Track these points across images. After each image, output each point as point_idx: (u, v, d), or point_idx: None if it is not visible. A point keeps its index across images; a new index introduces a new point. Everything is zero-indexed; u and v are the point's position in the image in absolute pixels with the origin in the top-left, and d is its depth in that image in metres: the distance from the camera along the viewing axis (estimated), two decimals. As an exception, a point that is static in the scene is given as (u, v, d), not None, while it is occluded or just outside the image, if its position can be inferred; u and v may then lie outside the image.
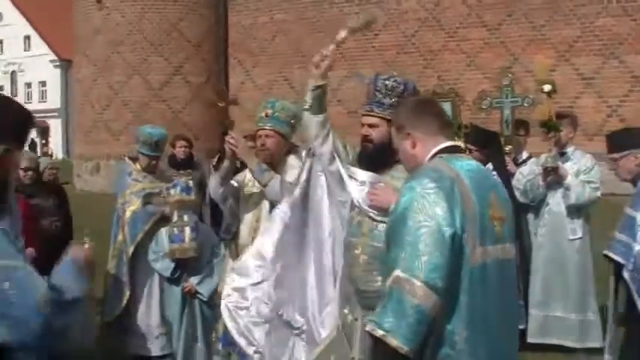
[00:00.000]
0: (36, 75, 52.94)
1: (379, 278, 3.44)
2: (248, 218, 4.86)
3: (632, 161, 4.67)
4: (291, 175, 4.63)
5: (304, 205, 4.09)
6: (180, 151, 8.42)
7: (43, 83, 53.33)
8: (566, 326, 6.47)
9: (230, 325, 4.20)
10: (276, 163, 4.78)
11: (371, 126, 3.66)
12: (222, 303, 4.27)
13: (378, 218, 3.54)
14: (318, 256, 4.03)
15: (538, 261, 6.53)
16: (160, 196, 6.04)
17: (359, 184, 3.64)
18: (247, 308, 4.17)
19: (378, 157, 3.66)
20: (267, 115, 4.76)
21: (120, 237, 6.07)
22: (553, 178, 6.47)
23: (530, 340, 6.32)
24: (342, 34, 3.76)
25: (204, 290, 5.52)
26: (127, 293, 5.92)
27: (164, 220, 5.84)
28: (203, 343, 5.56)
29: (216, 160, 8.78)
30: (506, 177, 6.35)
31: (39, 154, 36.61)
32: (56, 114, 51.62)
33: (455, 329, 2.55)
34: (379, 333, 2.48)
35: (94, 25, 21.13)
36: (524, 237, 6.51)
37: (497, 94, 7.31)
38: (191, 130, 17.80)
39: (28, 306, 2.30)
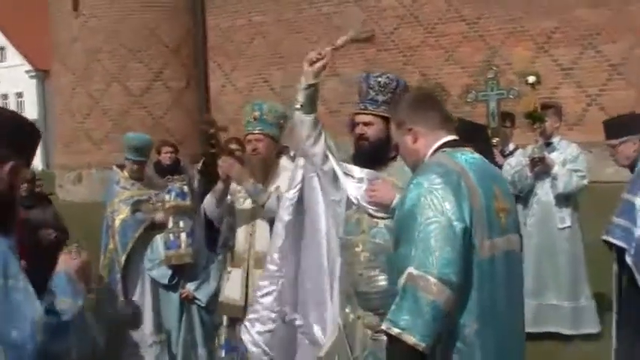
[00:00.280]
0: (12, 86, 52.46)
1: (382, 277, 3.45)
2: (243, 223, 4.84)
3: (630, 147, 4.72)
4: (284, 178, 4.64)
5: (300, 208, 4.05)
6: (166, 157, 8.36)
7: (20, 94, 52.87)
8: (560, 314, 6.53)
9: (245, 338, 4.18)
10: (268, 167, 4.77)
11: (366, 124, 3.65)
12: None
13: (379, 215, 3.54)
14: (316, 257, 4.00)
15: (529, 251, 6.56)
16: (148, 204, 6.03)
17: (356, 181, 3.63)
18: (258, 319, 4.15)
19: (374, 155, 3.66)
20: (255, 119, 4.72)
21: (111, 245, 6.03)
22: (540, 168, 6.53)
23: (525, 329, 6.35)
24: (342, 39, 3.73)
25: (202, 296, 5.50)
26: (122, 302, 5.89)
27: (154, 227, 5.82)
28: (204, 349, 5.55)
29: (201, 164, 8.74)
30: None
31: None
32: (34, 125, 51.14)
33: (466, 323, 2.55)
34: (395, 331, 2.47)
35: (72, 33, 20.94)
36: (514, 228, 6.55)
37: (481, 88, 7.34)
38: (174, 135, 17.69)
39: (24, 330, 2.24)
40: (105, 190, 6.79)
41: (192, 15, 21.57)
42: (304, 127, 3.77)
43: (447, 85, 16.45)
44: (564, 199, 6.57)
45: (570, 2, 15.82)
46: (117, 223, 5.99)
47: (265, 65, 20.71)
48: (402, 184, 3.26)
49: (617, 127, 4.85)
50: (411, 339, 2.44)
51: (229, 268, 4.93)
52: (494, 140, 6.99)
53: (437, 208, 2.52)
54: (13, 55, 52.47)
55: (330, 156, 3.80)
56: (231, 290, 4.84)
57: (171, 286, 5.61)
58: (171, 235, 5.43)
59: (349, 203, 3.70)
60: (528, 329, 6.32)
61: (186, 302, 5.58)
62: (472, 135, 6.66)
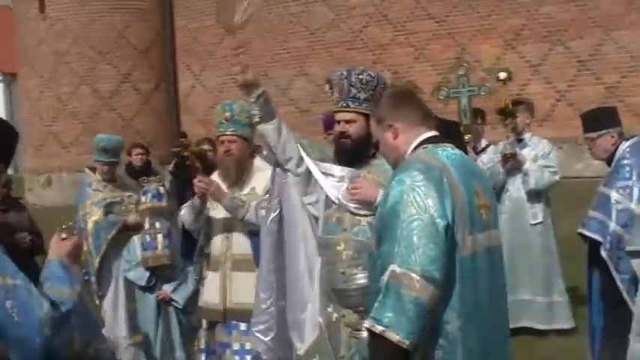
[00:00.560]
0: (-22, 90, 51.75)
1: (362, 275, 3.44)
2: (219, 230, 4.80)
3: (608, 140, 4.73)
4: (258, 178, 4.62)
5: (280, 214, 4.03)
6: (137, 159, 8.32)
7: (-14, 98, 52.18)
8: (534, 309, 6.58)
9: (260, 348, 4.14)
10: (242, 168, 4.74)
11: (348, 122, 3.63)
12: None
13: (361, 212, 3.53)
14: (293, 258, 3.98)
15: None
16: (121, 205, 5.99)
17: (337, 180, 3.61)
18: (268, 328, 4.13)
19: (356, 153, 3.65)
20: (227, 120, 4.69)
21: (85, 248, 5.98)
22: (512, 164, 6.58)
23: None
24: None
25: (179, 297, 5.45)
26: (98, 304, 5.83)
27: (127, 229, 5.79)
28: (182, 350, 5.51)
29: (172, 166, 8.70)
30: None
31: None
32: (1, 129, 50.45)
33: (448, 319, 2.55)
34: (379, 329, 2.46)
35: (39, 35, 20.68)
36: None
37: (452, 85, 7.36)
38: (144, 137, 17.54)
39: (31, 326, 2.25)
40: (77, 193, 6.74)
41: (161, 17, 21.40)
42: (270, 135, 3.80)
43: (417, 82, 16.45)
44: (536, 195, 6.62)
45: (537, -1, 15.96)
46: (90, 225, 5.96)
47: (234, 65, 20.57)
48: (384, 181, 3.26)
49: (595, 120, 4.85)
50: (394, 336, 2.44)
51: (205, 272, 4.89)
52: (467, 137, 7.01)
53: (419, 205, 2.51)
54: (-22, 59, 51.68)
55: (305, 156, 3.78)
56: (209, 295, 4.80)
57: (148, 288, 5.56)
58: (147, 237, 5.38)
59: (328, 202, 3.69)
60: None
61: (163, 304, 5.53)
62: (446, 132, 6.71)
